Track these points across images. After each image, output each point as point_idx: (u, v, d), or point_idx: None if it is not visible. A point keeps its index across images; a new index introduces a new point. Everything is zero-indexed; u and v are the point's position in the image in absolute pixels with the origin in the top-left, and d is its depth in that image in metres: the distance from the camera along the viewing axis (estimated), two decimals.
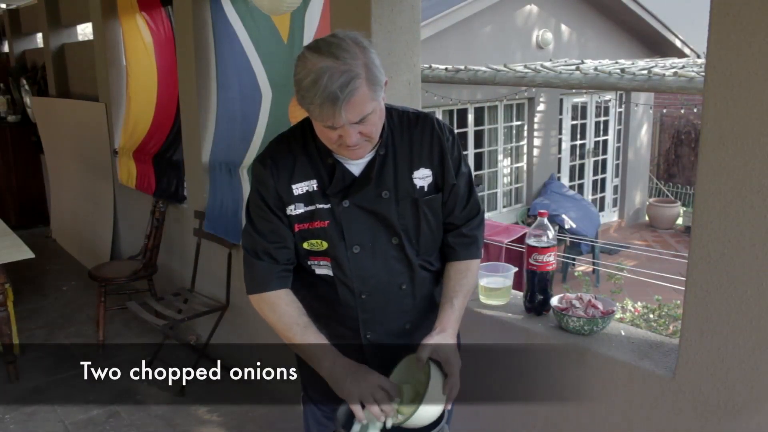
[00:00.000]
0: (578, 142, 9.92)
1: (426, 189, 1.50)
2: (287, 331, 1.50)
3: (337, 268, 1.50)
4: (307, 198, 1.47)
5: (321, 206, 1.46)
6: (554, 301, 2.00)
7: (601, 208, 10.28)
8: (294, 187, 1.46)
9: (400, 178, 1.48)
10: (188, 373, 3.54)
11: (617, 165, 10.51)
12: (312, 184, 1.46)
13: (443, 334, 1.44)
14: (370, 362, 1.53)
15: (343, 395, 1.38)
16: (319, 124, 1.36)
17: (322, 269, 1.52)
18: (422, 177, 1.50)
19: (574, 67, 6.65)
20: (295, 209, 1.47)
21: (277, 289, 1.51)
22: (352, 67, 1.29)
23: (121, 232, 5.12)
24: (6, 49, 7.60)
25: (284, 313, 1.50)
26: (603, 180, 10.36)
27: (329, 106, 1.29)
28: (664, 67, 6.32)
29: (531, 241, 2.01)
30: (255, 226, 1.51)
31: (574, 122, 9.78)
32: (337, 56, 1.29)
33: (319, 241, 1.48)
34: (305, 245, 1.50)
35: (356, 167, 1.47)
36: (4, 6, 7.11)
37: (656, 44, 10.11)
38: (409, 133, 1.50)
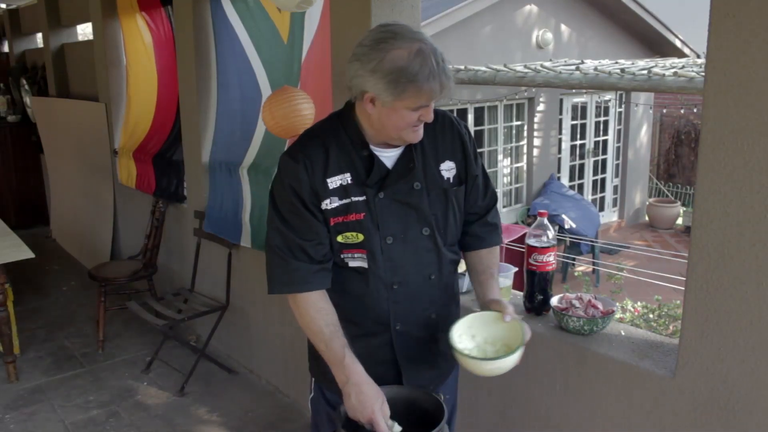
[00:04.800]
0: (578, 142, 9.92)
1: (451, 181, 1.56)
2: (314, 337, 1.52)
3: (371, 260, 1.51)
4: (342, 191, 1.48)
5: (356, 199, 1.48)
6: (554, 301, 2.00)
7: (601, 208, 10.28)
8: (329, 181, 1.47)
9: (428, 170, 1.53)
10: (188, 373, 3.56)
11: (617, 165, 10.51)
12: (346, 178, 1.48)
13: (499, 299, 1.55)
14: (398, 353, 1.57)
15: (348, 411, 1.44)
16: (402, 107, 1.38)
17: (356, 261, 1.52)
18: (448, 169, 1.56)
19: (574, 67, 6.64)
20: (331, 203, 1.48)
21: (315, 290, 1.51)
22: (435, 47, 1.36)
23: (121, 232, 5.12)
24: (6, 49, 7.60)
25: (312, 320, 1.50)
26: (603, 180, 10.36)
27: (439, 82, 1.34)
28: (664, 67, 6.32)
29: (531, 241, 2.01)
30: (288, 223, 1.49)
31: (574, 122, 9.78)
32: (422, 38, 1.36)
33: (354, 233, 1.49)
34: (339, 239, 1.50)
35: (388, 160, 1.50)
36: (4, 6, 7.11)
37: (656, 44, 10.11)
38: (432, 128, 1.54)
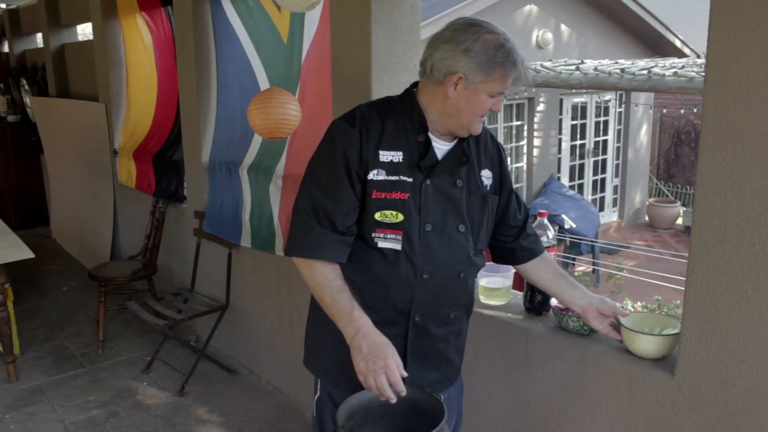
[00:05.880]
0: (578, 142, 9.91)
1: (488, 188, 1.62)
2: (320, 290, 1.50)
3: (407, 243, 1.51)
4: (391, 167, 1.49)
5: (404, 178, 1.50)
6: (554, 301, 2.00)
7: (601, 208, 10.27)
8: (381, 153, 1.49)
9: (471, 172, 1.58)
10: (188, 373, 3.56)
11: (617, 165, 10.50)
12: (398, 156, 1.50)
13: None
14: (410, 347, 1.57)
15: (355, 368, 1.42)
16: (484, 90, 1.45)
17: (388, 243, 1.51)
18: (487, 177, 1.63)
19: (574, 67, 6.66)
20: (377, 175, 1.49)
21: (331, 259, 1.49)
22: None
23: (121, 232, 5.12)
24: (6, 49, 7.59)
25: (319, 273, 1.49)
26: (603, 180, 10.36)
27: (523, 69, 1.45)
28: (664, 67, 6.33)
29: None
30: (322, 187, 1.50)
31: (574, 122, 9.77)
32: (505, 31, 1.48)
33: (394, 212, 1.50)
34: (377, 215, 1.50)
35: (439, 152, 1.54)
36: (4, 6, 7.11)
37: (656, 44, 10.11)
38: (476, 138, 1.61)
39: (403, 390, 1.38)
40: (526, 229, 1.76)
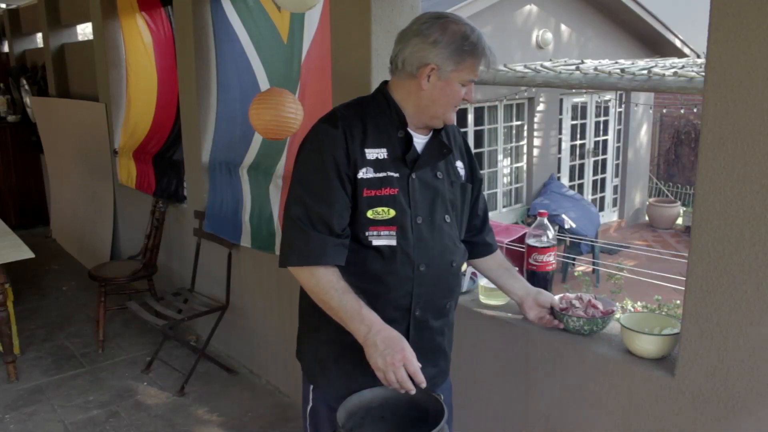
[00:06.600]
0: (578, 142, 9.92)
1: (464, 178, 1.66)
2: (324, 295, 1.49)
3: (402, 237, 1.52)
4: (378, 164, 1.51)
5: (391, 174, 1.51)
6: (554, 301, 1.99)
7: (601, 208, 10.28)
8: (367, 151, 1.51)
9: (448, 163, 1.62)
10: (188, 373, 3.56)
11: (617, 165, 10.51)
12: (382, 152, 1.52)
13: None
14: (412, 344, 1.54)
15: (372, 365, 1.42)
16: (457, 79, 1.49)
17: (382, 240, 1.52)
18: (461, 167, 1.67)
19: (574, 67, 6.65)
20: (366, 173, 1.50)
21: (331, 263, 1.48)
22: None
23: (121, 232, 5.12)
24: (6, 49, 7.60)
25: (321, 278, 1.48)
26: (603, 180, 10.36)
27: (491, 56, 1.49)
28: (664, 67, 6.32)
29: (531, 241, 2.01)
30: (312, 192, 1.49)
31: (574, 122, 9.78)
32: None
33: (386, 209, 1.51)
34: (369, 213, 1.50)
35: (418, 145, 1.57)
36: (4, 6, 7.11)
37: (656, 44, 10.12)
38: (446, 130, 1.64)
39: (423, 380, 1.39)
40: (487, 222, 1.82)
